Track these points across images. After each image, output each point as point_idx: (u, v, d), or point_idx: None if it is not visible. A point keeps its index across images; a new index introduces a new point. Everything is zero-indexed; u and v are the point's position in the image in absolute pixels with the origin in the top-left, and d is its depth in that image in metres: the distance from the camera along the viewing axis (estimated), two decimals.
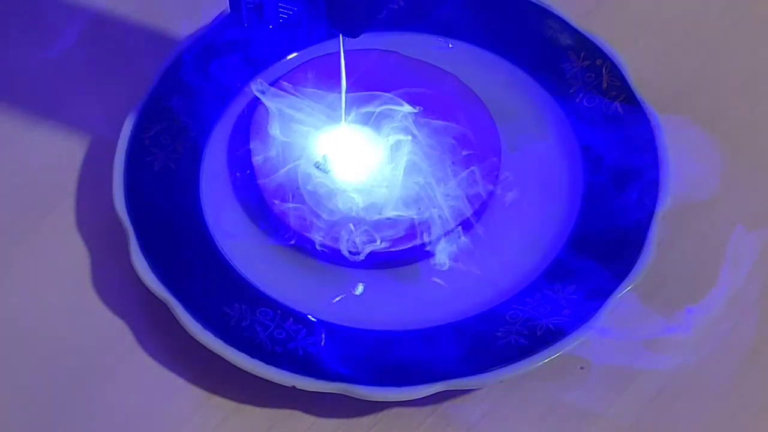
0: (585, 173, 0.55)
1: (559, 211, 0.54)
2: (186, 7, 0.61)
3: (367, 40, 0.57)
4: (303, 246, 0.53)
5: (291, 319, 0.50)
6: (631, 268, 0.50)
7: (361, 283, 0.52)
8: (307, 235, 0.52)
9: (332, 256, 0.52)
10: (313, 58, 0.57)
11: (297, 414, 0.50)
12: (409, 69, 0.57)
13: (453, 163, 0.54)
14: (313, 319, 0.50)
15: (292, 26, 0.49)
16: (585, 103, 0.57)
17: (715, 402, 0.50)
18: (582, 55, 0.57)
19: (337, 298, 0.52)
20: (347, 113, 0.55)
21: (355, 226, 0.52)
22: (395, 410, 0.50)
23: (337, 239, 0.52)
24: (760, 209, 0.56)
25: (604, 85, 0.57)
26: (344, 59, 0.53)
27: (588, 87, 0.57)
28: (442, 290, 0.52)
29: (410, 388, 0.48)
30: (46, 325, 0.52)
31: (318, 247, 0.52)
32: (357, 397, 0.48)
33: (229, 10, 0.49)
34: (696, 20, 0.63)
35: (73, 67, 0.60)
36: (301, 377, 0.48)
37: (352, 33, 0.47)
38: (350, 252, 0.52)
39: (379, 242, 0.52)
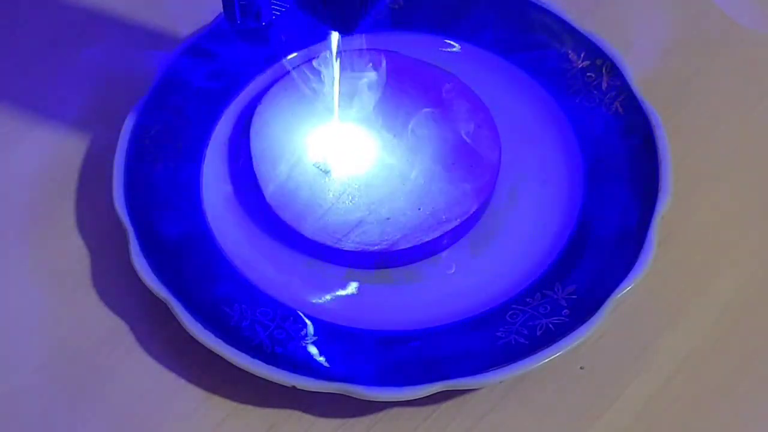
0: (585, 173, 0.55)
1: (559, 210, 0.54)
2: (186, 7, 0.61)
3: (367, 40, 0.58)
4: (303, 246, 0.53)
5: (291, 319, 0.50)
6: (631, 268, 0.50)
7: (354, 282, 0.52)
8: (308, 235, 0.52)
9: (332, 256, 0.52)
10: (314, 58, 0.57)
11: (297, 414, 0.50)
12: (409, 69, 0.57)
13: (453, 162, 0.54)
14: (313, 320, 0.50)
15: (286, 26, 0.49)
16: (585, 103, 0.57)
17: (715, 402, 0.50)
18: (582, 55, 0.57)
19: (329, 296, 0.52)
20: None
21: (355, 226, 0.52)
22: (395, 410, 0.50)
23: (337, 239, 0.52)
24: (760, 209, 0.56)
25: (604, 85, 0.57)
26: (342, 59, 0.53)
27: (588, 87, 0.57)
28: (442, 290, 0.52)
29: (410, 388, 0.48)
30: (46, 325, 0.52)
31: (318, 247, 0.52)
32: (357, 397, 0.48)
33: (222, 7, 0.49)
34: (696, 19, 0.63)
35: (73, 67, 0.60)
36: (301, 377, 0.48)
37: (345, 30, 0.47)
38: (350, 252, 0.52)
39: (379, 242, 0.52)
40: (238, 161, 0.56)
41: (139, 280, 0.50)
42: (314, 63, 0.57)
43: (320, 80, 0.56)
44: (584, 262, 0.52)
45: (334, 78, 0.54)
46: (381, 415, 0.50)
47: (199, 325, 0.49)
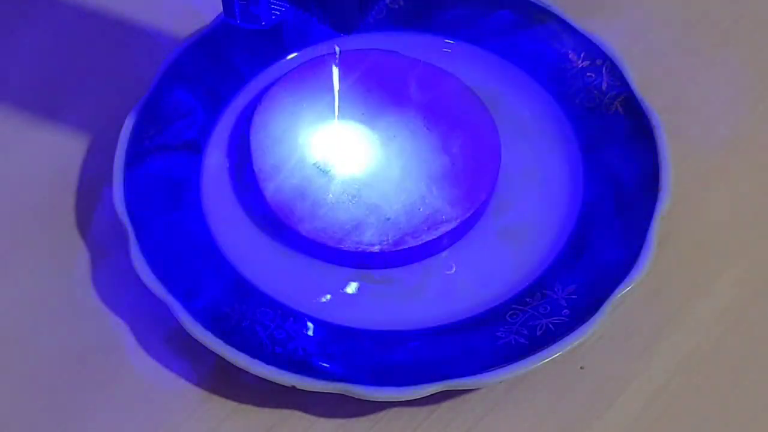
0: (585, 173, 0.55)
1: (559, 210, 0.54)
2: (186, 7, 0.61)
3: (367, 40, 0.58)
4: (303, 246, 0.53)
5: (291, 319, 0.50)
6: (631, 268, 0.50)
7: (354, 282, 0.52)
8: (308, 235, 0.52)
9: (332, 256, 0.52)
10: (314, 58, 0.57)
11: (297, 414, 0.50)
12: (409, 69, 0.57)
13: (453, 163, 0.54)
14: (313, 320, 0.50)
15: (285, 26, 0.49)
16: (585, 103, 0.57)
17: (715, 402, 0.50)
18: (582, 55, 0.57)
19: (329, 296, 0.52)
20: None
21: (355, 226, 0.52)
22: (395, 410, 0.50)
23: (338, 239, 0.52)
24: (760, 209, 0.56)
25: (604, 85, 0.57)
26: (341, 59, 0.53)
27: (588, 87, 0.57)
28: (442, 290, 0.52)
29: (410, 388, 0.48)
30: (46, 326, 0.52)
31: (318, 247, 0.52)
32: (357, 397, 0.48)
33: (222, 7, 0.49)
34: (696, 19, 0.63)
35: (73, 67, 0.60)
36: (301, 377, 0.48)
37: (344, 30, 0.46)
38: (350, 252, 0.52)
39: (379, 242, 0.52)
40: (238, 161, 0.56)
41: (139, 280, 0.50)
42: (314, 63, 0.57)
43: (320, 80, 0.56)
44: (584, 262, 0.52)
45: (334, 78, 0.54)
46: (381, 415, 0.50)
47: (199, 325, 0.49)
